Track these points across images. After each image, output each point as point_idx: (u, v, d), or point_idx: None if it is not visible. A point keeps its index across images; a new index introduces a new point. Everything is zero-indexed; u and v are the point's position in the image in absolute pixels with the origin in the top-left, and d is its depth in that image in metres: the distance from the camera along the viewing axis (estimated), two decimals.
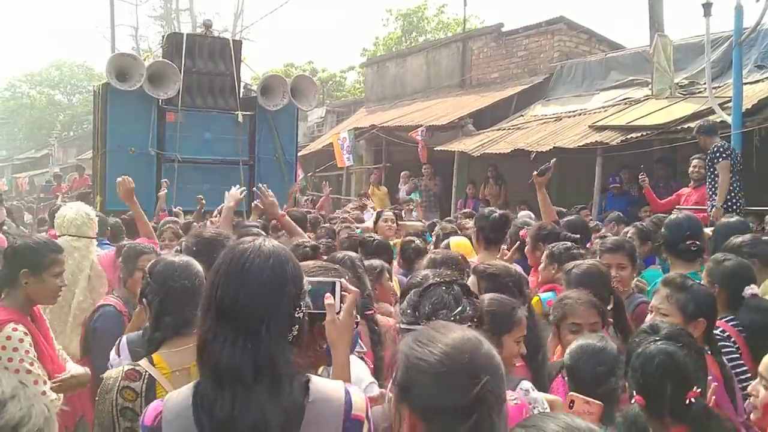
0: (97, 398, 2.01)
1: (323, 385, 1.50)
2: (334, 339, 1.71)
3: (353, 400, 1.49)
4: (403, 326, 1.84)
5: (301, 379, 1.48)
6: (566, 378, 2.28)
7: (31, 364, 2.68)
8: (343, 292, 1.76)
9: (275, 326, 1.43)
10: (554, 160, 4.70)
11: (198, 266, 2.25)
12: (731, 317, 3.10)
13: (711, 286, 3.15)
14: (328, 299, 1.72)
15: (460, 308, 1.80)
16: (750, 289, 3.15)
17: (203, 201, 7.30)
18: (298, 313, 1.49)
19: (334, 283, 1.76)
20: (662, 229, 4.11)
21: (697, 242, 3.80)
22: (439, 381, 1.22)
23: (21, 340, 2.68)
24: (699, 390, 1.91)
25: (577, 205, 8.61)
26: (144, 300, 2.22)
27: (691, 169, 7.25)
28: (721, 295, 3.12)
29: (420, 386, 1.24)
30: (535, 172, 4.58)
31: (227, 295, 1.44)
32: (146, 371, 1.99)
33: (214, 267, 1.51)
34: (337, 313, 1.72)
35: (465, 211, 7.94)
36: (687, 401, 1.88)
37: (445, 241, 4.88)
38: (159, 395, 1.90)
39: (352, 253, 3.26)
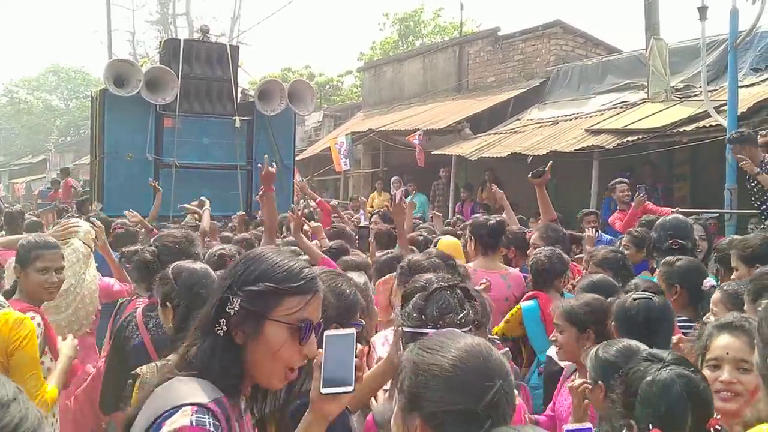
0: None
1: (168, 390, 1.37)
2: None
3: (174, 419, 1.30)
4: (407, 329, 1.82)
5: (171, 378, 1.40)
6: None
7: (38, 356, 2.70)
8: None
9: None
10: (550, 163, 4.72)
11: (214, 275, 2.47)
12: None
13: (670, 288, 3.19)
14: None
15: (465, 311, 1.80)
16: (708, 282, 3.19)
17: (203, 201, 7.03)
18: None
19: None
20: (651, 233, 4.18)
21: (679, 240, 3.86)
22: (452, 385, 1.18)
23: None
24: (718, 417, 1.73)
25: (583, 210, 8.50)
26: (168, 303, 2.41)
27: (618, 193, 7.13)
28: (682, 294, 3.18)
29: (432, 391, 1.19)
30: (530, 176, 4.61)
31: None
32: None
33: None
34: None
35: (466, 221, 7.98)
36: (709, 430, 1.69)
37: (435, 239, 4.88)
38: None
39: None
